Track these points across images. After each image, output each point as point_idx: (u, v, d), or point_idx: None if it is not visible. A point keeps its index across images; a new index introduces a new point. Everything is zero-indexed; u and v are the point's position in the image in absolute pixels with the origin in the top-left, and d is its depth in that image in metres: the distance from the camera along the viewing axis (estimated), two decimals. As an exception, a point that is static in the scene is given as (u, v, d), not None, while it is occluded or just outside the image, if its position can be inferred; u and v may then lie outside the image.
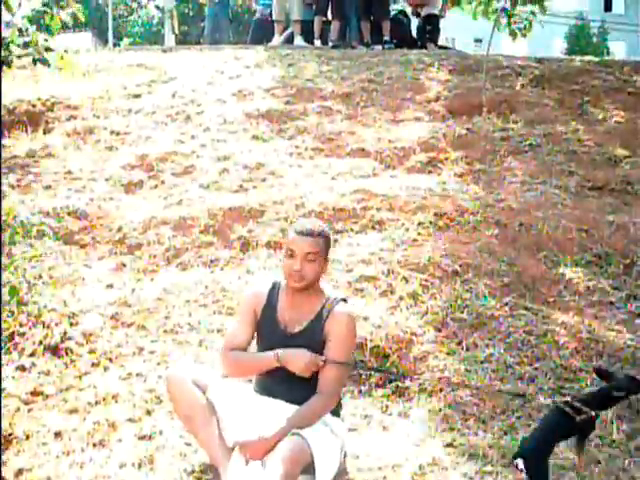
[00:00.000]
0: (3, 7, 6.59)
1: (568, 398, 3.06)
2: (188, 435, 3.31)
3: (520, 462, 2.85)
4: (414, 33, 11.20)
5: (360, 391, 3.91)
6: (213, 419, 3.09)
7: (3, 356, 4.15)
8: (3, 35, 6.88)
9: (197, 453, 3.30)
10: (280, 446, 2.78)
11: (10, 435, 3.53)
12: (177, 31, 14.65)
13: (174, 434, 3.49)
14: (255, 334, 3.28)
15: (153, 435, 3.53)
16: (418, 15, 11.11)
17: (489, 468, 3.23)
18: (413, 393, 3.87)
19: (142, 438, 3.52)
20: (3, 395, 3.84)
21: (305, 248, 3.06)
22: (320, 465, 2.83)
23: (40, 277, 3.93)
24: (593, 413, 2.87)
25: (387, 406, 3.79)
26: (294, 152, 6.37)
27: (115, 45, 12.40)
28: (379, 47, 9.90)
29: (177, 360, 4.08)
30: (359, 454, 3.33)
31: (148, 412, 3.74)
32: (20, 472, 3.27)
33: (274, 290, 3.25)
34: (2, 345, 3.95)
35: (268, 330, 3.21)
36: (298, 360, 3.02)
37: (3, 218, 4.05)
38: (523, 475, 2.88)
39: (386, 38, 10.07)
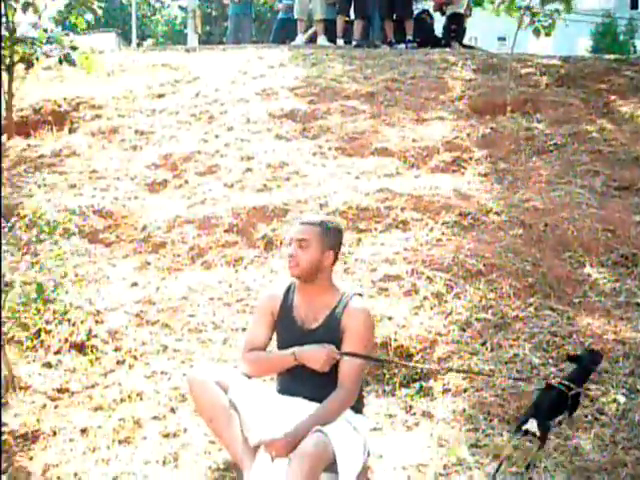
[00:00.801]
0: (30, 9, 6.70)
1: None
2: (212, 433, 3.33)
3: (533, 423, 3.07)
4: (438, 32, 11.18)
5: (384, 391, 3.90)
6: (235, 419, 3.09)
7: (30, 353, 4.21)
8: (30, 35, 6.97)
9: (221, 451, 3.32)
10: (303, 443, 2.78)
11: (37, 431, 3.57)
12: (200, 31, 14.68)
13: (198, 432, 3.51)
14: (275, 334, 3.31)
15: (178, 433, 3.56)
16: (443, 13, 11.08)
17: (514, 469, 3.21)
18: (437, 393, 3.85)
19: (167, 436, 3.56)
20: (29, 391, 3.89)
21: (297, 235, 3.18)
22: (343, 462, 2.82)
23: (66, 275, 3.95)
24: (580, 389, 3.20)
25: (411, 406, 3.77)
26: (318, 152, 6.37)
27: (138, 45, 12.44)
28: (402, 46, 9.89)
29: (200, 360, 4.11)
30: (383, 453, 3.33)
31: (172, 410, 3.77)
32: (47, 468, 3.31)
33: (290, 290, 3.29)
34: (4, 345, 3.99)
35: (287, 329, 3.24)
36: (315, 356, 3.03)
37: (29, 217, 4.09)
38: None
39: (409, 37, 10.06)
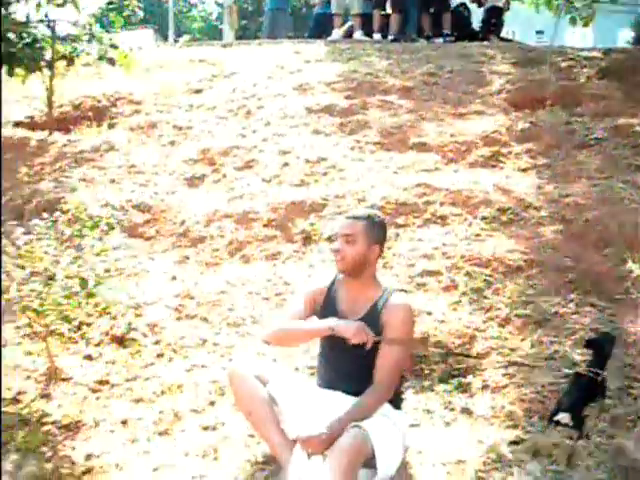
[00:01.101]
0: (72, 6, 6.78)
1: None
2: (251, 427, 3.34)
3: (566, 416, 3.19)
4: (475, 25, 11.08)
5: (422, 386, 3.88)
6: (275, 413, 3.11)
7: (71, 345, 4.27)
8: (70, 33, 7.06)
9: (260, 445, 3.34)
10: (341, 439, 2.78)
11: (79, 422, 3.64)
12: (236, 26, 14.72)
13: (237, 425, 3.53)
14: None
15: (217, 426, 3.60)
16: (480, 6, 10.98)
17: (554, 467, 3.17)
18: (476, 389, 3.83)
19: (206, 429, 3.59)
20: (71, 383, 3.96)
21: (343, 230, 3.21)
22: (381, 458, 2.82)
23: (109, 270, 4.00)
24: (605, 374, 3.38)
25: (449, 402, 3.75)
26: (355, 146, 6.35)
27: (175, 41, 12.50)
28: (439, 40, 9.82)
29: (239, 354, 4.13)
30: (421, 449, 3.32)
31: (211, 403, 3.81)
32: (89, 457, 3.37)
33: (333, 283, 3.32)
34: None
35: (326, 309, 3.26)
36: (348, 327, 3.04)
37: (72, 212, 4.15)
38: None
39: (446, 31, 9.98)
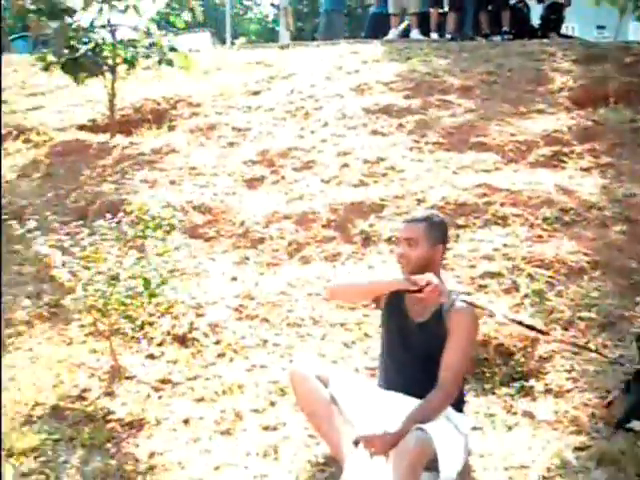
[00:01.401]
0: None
1: None
2: (311, 427, 3.35)
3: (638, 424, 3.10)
4: (534, 22, 10.90)
5: (484, 389, 3.85)
6: (336, 413, 3.12)
7: (134, 344, 4.35)
8: (130, 38, 7.18)
9: (320, 445, 3.34)
10: (404, 441, 2.76)
11: (142, 420, 3.70)
12: (292, 28, 14.78)
13: (298, 426, 3.55)
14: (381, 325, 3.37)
15: (277, 426, 3.62)
16: (540, 2, 10.80)
17: (621, 475, 3.10)
18: (538, 393, 3.77)
19: (266, 429, 3.62)
20: (134, 381, 4.02)
21: (404, 234, 3.23)
22: (444, 461, 2.80)
23: (172, 271, 4.06)
24: None
25: (511, 405, 3.71)
26: (414, 146, 6.31)
27: (232, 44, 12.64)
28: (497, 38, 9.69)
29: (300, 354, 4.14)
30: (484, 453, 3.29)
31: (272, 403, 3.82)
32: (152, 455, 3.42)
33: None
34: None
35: (395, 319, 3.27)
36: (424, 277, 3.04)
37: (135, 213, 4.22)
38: None
39: (505, 28, 9.85)
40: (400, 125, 6.72)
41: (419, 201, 5.41)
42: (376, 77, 7.80)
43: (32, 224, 4.17)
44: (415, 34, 10.10)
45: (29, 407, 3.76)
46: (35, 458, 3.37)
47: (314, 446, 3.39)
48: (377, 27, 11.15)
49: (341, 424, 3.11)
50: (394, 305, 3.27)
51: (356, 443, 2.92)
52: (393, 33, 10.39)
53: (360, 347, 4.22)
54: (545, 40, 9.62)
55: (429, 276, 3.02)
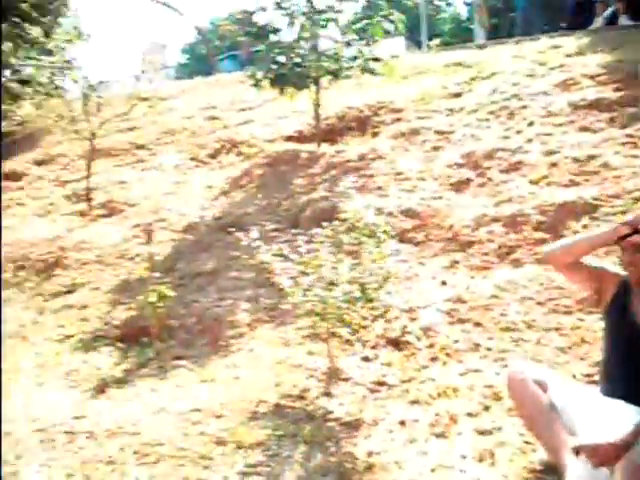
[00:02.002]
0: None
1: None
2: (527, 433, 3.30)
3: None
4: None
5: None
6: (556, 420, 3.02)
7: (349, 347, 4.49)
8: (332, 49, 7.41)
9: (537, 452, 3.28)
10: (631, 453, 2.63)
11: (359, 420, 3.81)
12: (486, 24, 14.53)
13: (513, 431, 3.50)
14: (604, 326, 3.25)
15: (492, 431, 3.58)
16: None
17: None
18: None
19: (481, 433, 3.59)
20: (350, 383, 4.16)
21: (631, 239, 3.03)
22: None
23: (388, 277, 4.16)
24: None
25: None
26: (628, 141, 5.98)
27: (428, 47, 12.62)
28: None
29: (515, 359, 4.07)
30: None
31: (486, 407, 3.80)
32: (370, 454, 3.51)
33: (626, 284, 3.15)
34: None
35: (620, 320, 3.11)
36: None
37: (350, 220, 4.36)
38: None
39: None
40: (611, 120, 6.39)
41: (636, 200, 5.12)
42: (582, 71, 7.48)
43: (255, 234, 4.44)
44: (623, 20, 9.54)
45: (253, 404, 4.01)
46: (262, 452, 3.57)
47: (530, 452, 3.33)
48: (580, 16, 10.67)
49: (561, 431, 2.99)
50: (618, 306, 3.11)
51: (577, 452, 2.82)
52: (598, 22, 9.90)
53: (576, 353, 4.08)
54: None
55: None
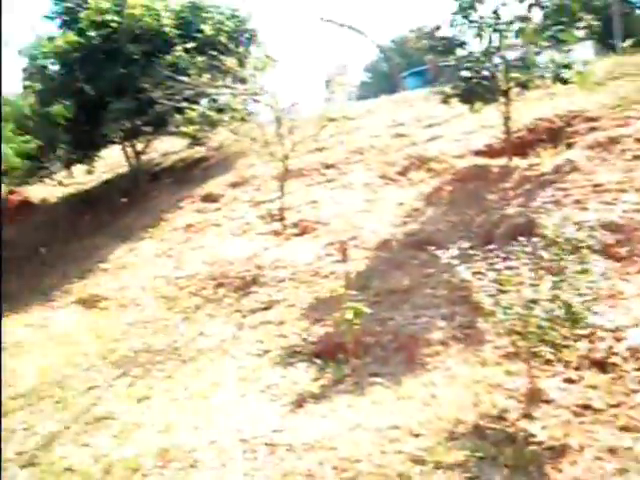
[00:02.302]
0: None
1: None
2: None
3: None
4: None
5: None
6: None
7: (549, 367, 4.31)
8: (523, 60, 7.21)
9: None
10: None
11: (563, 445, 3.65)
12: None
13: None
14: None
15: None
16: None
17: None
18: None
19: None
20: (553, 405, 3.99)
21: None
22: None
23: (597, 296, 3.96)
24: None
25: None
26: None
27: (623, 49, 11.93)
28: None
29: None
30: None
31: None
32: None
33: None
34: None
35: None
36: None
37: (549, 236, 4.20)
38: None
39: None
40: None
41: None
42: None
43: (449, 251, 4.40)
44: None
45: (452, 423, 3.96)
46: (461, 473, 3.51)
47: None
48: None
49: None
50: None
51: None
52: None
53: None
54: None
55: None
